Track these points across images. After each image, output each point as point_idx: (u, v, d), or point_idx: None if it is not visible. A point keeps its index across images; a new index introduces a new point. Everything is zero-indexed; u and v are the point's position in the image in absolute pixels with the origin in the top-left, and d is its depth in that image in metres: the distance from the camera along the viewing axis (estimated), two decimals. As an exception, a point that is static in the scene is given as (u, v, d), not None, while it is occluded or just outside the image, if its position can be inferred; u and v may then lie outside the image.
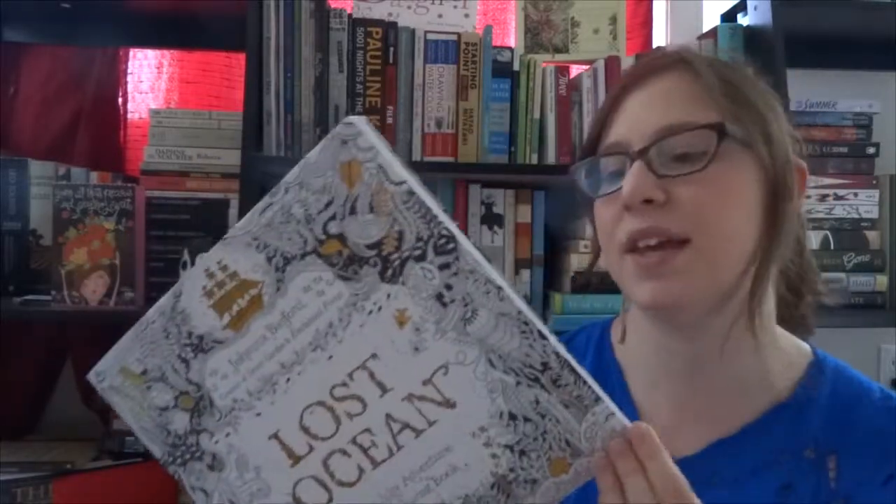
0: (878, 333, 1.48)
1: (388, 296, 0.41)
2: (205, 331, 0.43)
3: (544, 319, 1.26)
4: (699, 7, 1.58)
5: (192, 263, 1.18)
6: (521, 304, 0.41)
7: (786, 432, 0.60)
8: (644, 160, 0.58)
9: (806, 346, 0.66)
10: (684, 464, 0.60)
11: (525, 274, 1.26)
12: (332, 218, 0.40)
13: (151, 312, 0.44)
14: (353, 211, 0.40)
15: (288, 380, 0.42)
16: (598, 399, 0.42)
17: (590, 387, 0.42)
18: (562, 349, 0.42)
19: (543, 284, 1.27)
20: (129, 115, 1.49)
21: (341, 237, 0.40)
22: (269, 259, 0.41)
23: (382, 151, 0.40)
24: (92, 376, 0.45)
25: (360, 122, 0.40)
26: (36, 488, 1.16)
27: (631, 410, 0.66)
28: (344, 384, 0.42)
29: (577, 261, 1.23)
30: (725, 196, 0.58)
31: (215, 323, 0.42)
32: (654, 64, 0.63)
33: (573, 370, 0.42)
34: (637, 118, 0.62)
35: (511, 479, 0.43)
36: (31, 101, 1.43)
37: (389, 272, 0.40)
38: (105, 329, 1.41)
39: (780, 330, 0.64)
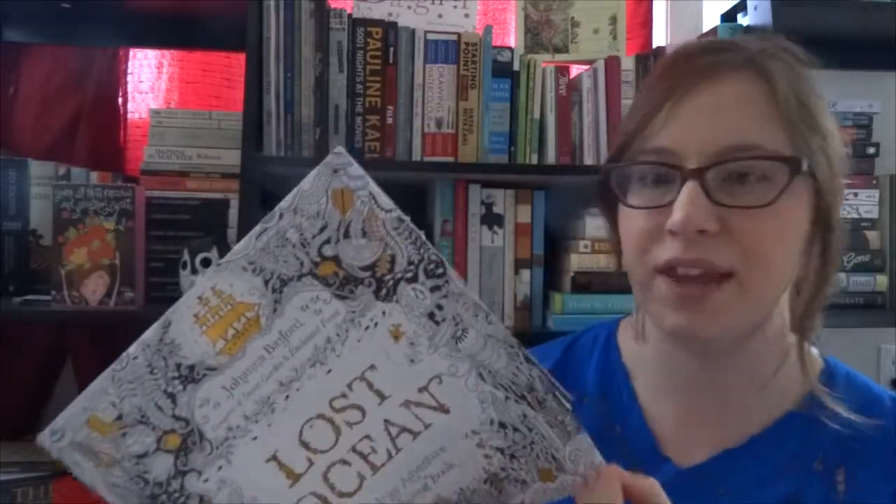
0: (878, 333, 1.48)
1: (384, 313, 0.42)
2: (196, 360, 0.41)
3: (544, 319, 1.26)
4: (699, 7, 1.58)
5: (192, 263, 1.18)
6: (506, 331, 0.43)
7: (796, 444, 0.58)
8: (700, 182, 0.52)
9: (816, 354, 0.64)
10: (690, 473, 0.60)
11: (525, 274, 1.26)
12: (327, 242, 0.41)
13: (133, 348, 0.41)
14: (346, 235, 0.42)
15: (287, 397, 0.42)
16: (580, 429, 0.44)
17: (573, 417, 0.43)
18: (547, 376, 0.43)
19: (543, 284, 1.27)
20: (129, 115, 1.49)
21: (336, 259, 0.42)
22: (266, 282, 0.42)
23: (371, 181, 0.42)
24: (45, 438, 0.42)
25: (345, 153, 0.42)
26: (36, 488, 1.16)
27: (637, 414, 0.64)
28: (343, 395, 0.42)
29: (577, 261, 1.23)
30: (782, 232, 0.53)
31: (208, 349, 0.42)
32: (718, 62, 0.55)
33: (557, 397, 0.43)
34: (696, 127, 0.54)
35: (503, 477, 0.44)
36: (31, 101, 1.43)
37: (384, 291, 0.42)
38: (105, 329, 1.42)
39: (792, 337, 0.61)
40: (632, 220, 0.58)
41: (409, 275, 0.42)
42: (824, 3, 1.28)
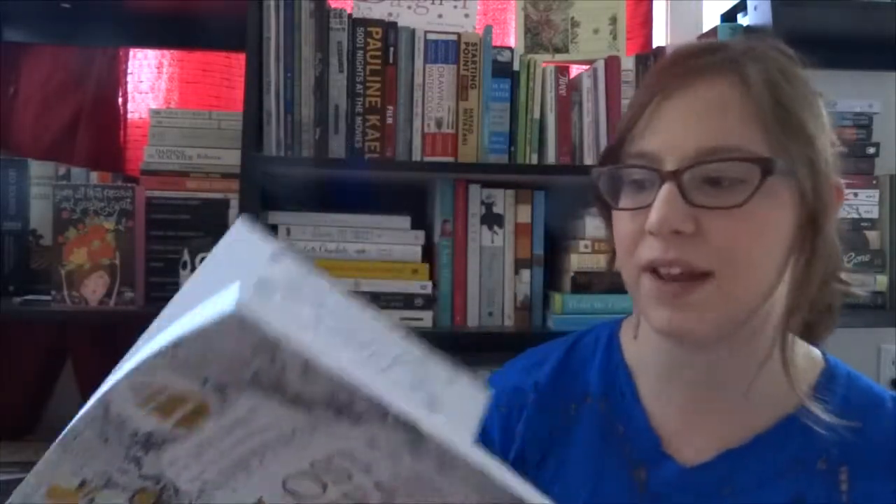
0: (878, 333, 1.48)
1: (350, 429, 0.35)
2: (152, 429, 0.36)
3: (544, 319, 1.26)
4: (699, 7, 1.58)
5: (192, 263, 1.18)
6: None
7: (798, 443, 0.59)
8: (677, 184, 0.54)
9: (818, 354, 0.65)
10: (694, 472, 0.61)
11: (525, 274, 1.26)
12: (256, 377, 0.33)
13: (77, 422, 0.36)
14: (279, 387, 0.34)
15: (261, 461, 0.37)
16: None
17: None
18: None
19: (543, 284, 1.27)
20: (129, 115, 1.49)
21: (278, 385, 0.34)
22: (204, 383, 0.34)
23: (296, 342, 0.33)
24: None
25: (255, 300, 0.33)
26: (36, 488, 1.16)
27: (640, 414, 0.65)
28: (325, 460, 0.37)
29: (577, 261, 1.23)
30: (759, 233, 0.55)
31: (162, 425, 0.36)
32: (700, 66, 0.57)
33: None
34: (675, 131, 0.56)
35: None
36: (31, 101, 1.43)
37: (346, 416, 0.34)
38: (105, 329, 1.42)
39: (791, 337, 0.60)
40: (620, 222, 0.60)
41: (377, 414, 0.34)
42: (824, 3, 1.28)
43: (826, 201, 0.56)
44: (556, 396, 0.69)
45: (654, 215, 0.54)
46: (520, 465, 0.67)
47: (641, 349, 0.67)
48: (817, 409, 0.57)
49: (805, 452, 0.59)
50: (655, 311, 0.57)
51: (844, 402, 0.59)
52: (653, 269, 0.57)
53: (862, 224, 1.34)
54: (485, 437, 0.70)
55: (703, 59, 0.57)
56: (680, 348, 0.62)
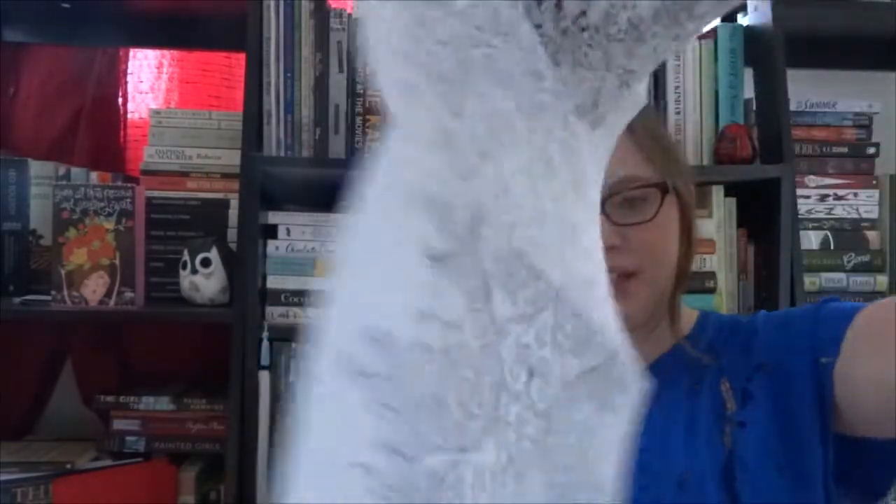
0: (878, 333, 1.48)
1: None
2: None
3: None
4: (699, 7, 1.58)
5: (192, 263, 1.18)
6: None
7: (687, 356, 0.77)
8: (602, 210, 0.68)
9: (694, 311, 0.84)
10: None
11: (525, 274, 1.26)
12: None
13: None
14: None
15: None
16: None
17: None
18: None
19: (543, 284, 1.27)
20: (129, 115, 1.49)
21: None
22: None
23: None
24: None
25: None
26: (36, 488, 1.16)
27: None
28: None
29: (577, 261, 1.23)
30: (666, 235, 0.73)
31: None
32: None
33: None
34: None
35: None
36: (31, 101, 1.43)
37: None
38: (105, 329, 1.42)
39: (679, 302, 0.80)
40: None
41: None
42: (824, 3, 1.28)
43: (693, 202, 0.76)
44: None
45: None
46: None
47: None
48: (686, 345, 0.77)
49: (693, 358, 0.76)
50: None
51: (717, 326, 0.78)
52: None
53: (862, 224, 1.33)
54: None
55: None
56: None
